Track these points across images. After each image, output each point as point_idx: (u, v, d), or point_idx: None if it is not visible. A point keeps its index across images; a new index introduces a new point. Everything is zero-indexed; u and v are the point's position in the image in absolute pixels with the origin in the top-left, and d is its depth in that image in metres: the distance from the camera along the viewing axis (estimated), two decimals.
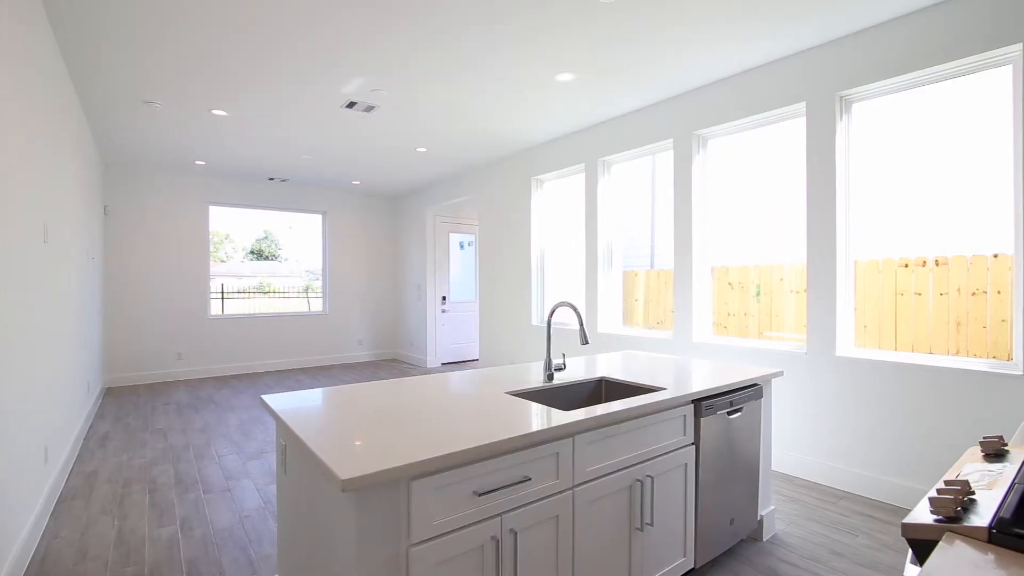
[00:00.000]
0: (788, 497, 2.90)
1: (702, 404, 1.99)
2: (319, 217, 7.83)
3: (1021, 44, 2.42)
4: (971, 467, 1.07)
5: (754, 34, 2.96)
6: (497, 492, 1.35)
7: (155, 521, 2.68)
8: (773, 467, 3.34)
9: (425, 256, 7.46)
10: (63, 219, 3.28)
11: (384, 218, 8.30)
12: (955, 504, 0.86)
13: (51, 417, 2.92)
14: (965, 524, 0.81)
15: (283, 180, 7.06)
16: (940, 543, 0.80)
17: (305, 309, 8.36)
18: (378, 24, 2.83)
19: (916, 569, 0.89)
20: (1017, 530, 0.77)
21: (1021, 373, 2.42)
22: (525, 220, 5.56)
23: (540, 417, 1.56)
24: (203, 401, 5.42)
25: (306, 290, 8.80)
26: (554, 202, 5.39)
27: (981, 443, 1.15)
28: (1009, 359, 2.54)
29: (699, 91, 3.80)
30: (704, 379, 2.16)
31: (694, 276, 3.85)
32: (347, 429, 1.42)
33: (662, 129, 4.08)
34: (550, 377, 2.16)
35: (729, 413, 2.13)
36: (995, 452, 1.12)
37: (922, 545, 0.84)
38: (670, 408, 1.87)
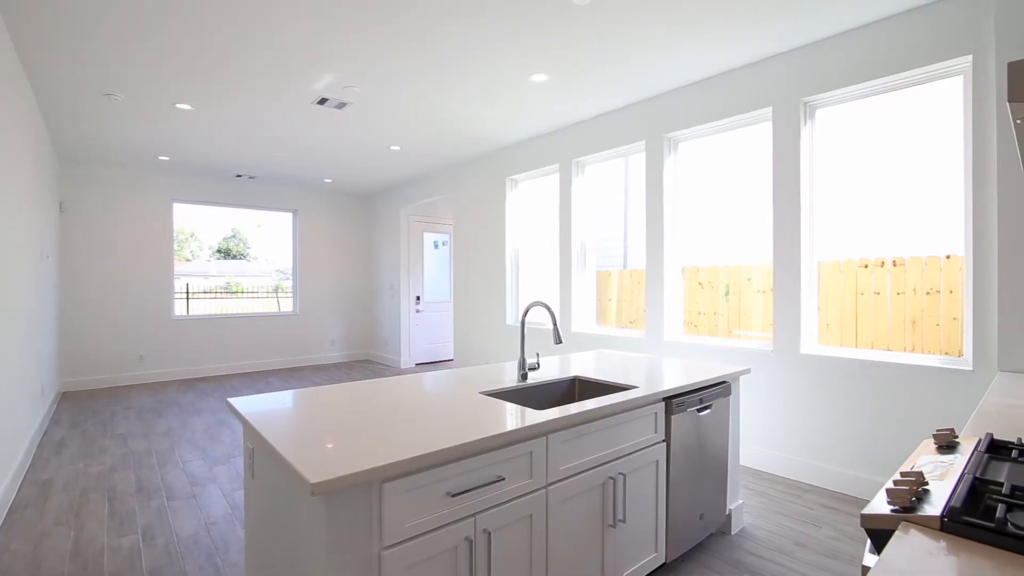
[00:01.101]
0: (756, 491, 2.98)
1: (673, 402, 2.02)
2: (289, 215, 7.66)
3: (971, 56, 2.54)
4: (925, 459, 1.11)
5: (723, 39, 3.03)
6: (471, 492, 1.35)
7: (115, 531, 2.57)
8: (741, 462, 3.42)
9: (399, 255, 7.38)
10: (14, 216, 3.12)
11: (357, 217, 8.17)
12: (910, 495, 0.89)
13: (1, 423, 2.77)
14: (919, 514, 0.85)
15: (251, 177, 6.89)
16: (896, 532, 0.83)
17: (275, 309, 8.17)
18: (351, 21, 2.78)
19: (874, 558, 0.92)
20: (966, 518, 0.81)
21: (971, 369, 2.55)
22: (500, 220, 5.55)
23: (514, 417, 1.56)
24: (167, 405, 5.24)
25: (276, 290, 8.59)
26: (529, 202, 5.41)
27: (934, 436, 1.20)
28: (960, 355, 2.67)
29: (671, 94, 3.87)
30: (675, 377, 2.20)
31: (665, 276, 3.92)
32: (317, 431, 1.39)
33: (634, 131, 4.13)
34: (524, 377, 2.16)
35: (699, 410, 2.18)
36: (947, 444, 1.17)
37: (880, 534, 0.88)
38: (642, 406, 1.90)
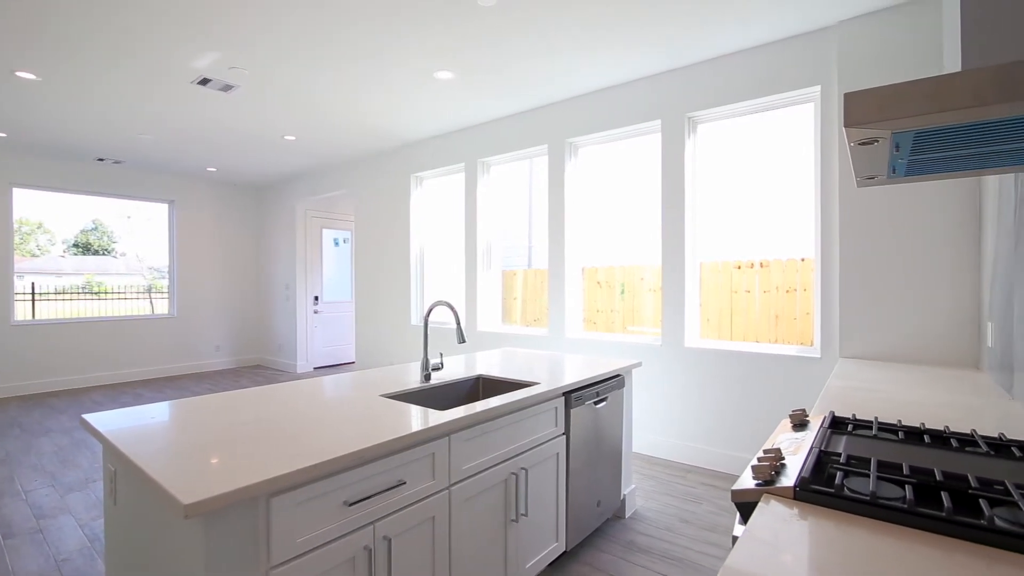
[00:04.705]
0: (646, 475, 3.20)
1: (572, 396, 2.11)
2: (165, 206, 6.87)
3: (819, 86, 2.94)
4: (783, 437, 1.27)
5: (618, 51, 3.21)
6: (370, 500, 1.30)
7: None
8: (634, 449, 3.66)
9: (295, 253, 6.93)
10: None
11: (246, 210, 7.54)
12: (770, 470, 1.01)
13: None
14: (777, 486, 0.96)
15: (116, 162, 6.08)
16: (759, 503, 0.94)
17: (148, 312, 7.28)
18: None
19: (743, 527, 1.03)
20: (814, 487, 0.93)
21: (819, 356, 2.95)
22: (404, 217, 5.43)
23: (415, 418, 1.54)
24: (4, 426, 4.45)
25: (149, 290, 7.65)
26: (434, 200, 5.34)
27: (790, 416, 1.37)
28: (811, 345, 3.08)
29: (571, 101, 4.03)
30: (574, 372, 2.30)
31: (567, 276, 4.08)
32: (194, 446, 1.26)
33: (538, 135, 4.25)
34: (427, 377, 2.13)
35: (596, 403, 2.29)
36: (800, 423, 1.34)
37: (747, 506, 0.98)
38: (543, 402, 1.95)
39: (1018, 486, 0.88)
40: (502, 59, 3.29)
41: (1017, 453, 1.08)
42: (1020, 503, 0.81)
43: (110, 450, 1.31)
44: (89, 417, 1.51)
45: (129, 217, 7.39)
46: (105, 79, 3.57)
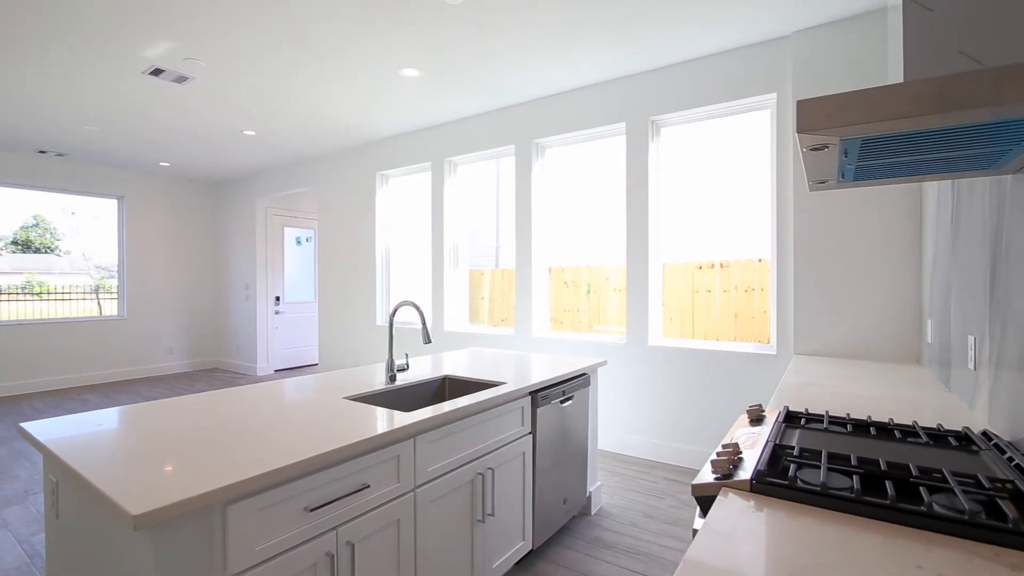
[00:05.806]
0: (612, 472, 3.25)
1: (538, 395, 2.12)
2: (114, 202, 6.53)
3: (776, 94, 3.05)
4: (741, 431, 1.31)
5: (584, 53, 3.24)
6: (332, 504, 1.27)
7: None
8: (599, 447, 3.71)
9: (255, 252, 6.71)
10: None
11: (202, 207, 7.25)
12: (728, 464, 1.04)
13: None
14: (735, 479, 0.99)
15: (60, 155, 5.74)
16: (718, 497, 0.96)
17: (95, 313, 6.91)
18: None
19: (703, 521, 1.06)
20: (769, 479, 0.97)
21: (775, 353, 3.06)
22: (370, 216, 5.34)
23: (379, 420, 1.51)
24: None
25: (96, 290, 7.26)
26: (401, 199, 5.28)
27: (747, 411, 1.42)
28: (768, 342, 3.19)
29: (537, 102, 4.05)
30: (540, 372, 2.31)
31: (533, 276, 4.10)
32: (144, 454, 1.21)
33: (505, 135, 4.25)
34: (392, 378, 2.10)
35: (562, 402, 2.31)
36: (756, 418, 1.39)
37: (707, 500, 1.01)
38: (510, 401, 1.96)
39: (954, 474, 0.93)
40: (469, 57, 3.28)
41: (953, 443, 1.15)
42: (956, 490, 0.86)
43: (51, 460, 1.23)
44: (28, 425, 1.42)
45: (73, 213, 6.99)
46: (44, 63, 3.36)
